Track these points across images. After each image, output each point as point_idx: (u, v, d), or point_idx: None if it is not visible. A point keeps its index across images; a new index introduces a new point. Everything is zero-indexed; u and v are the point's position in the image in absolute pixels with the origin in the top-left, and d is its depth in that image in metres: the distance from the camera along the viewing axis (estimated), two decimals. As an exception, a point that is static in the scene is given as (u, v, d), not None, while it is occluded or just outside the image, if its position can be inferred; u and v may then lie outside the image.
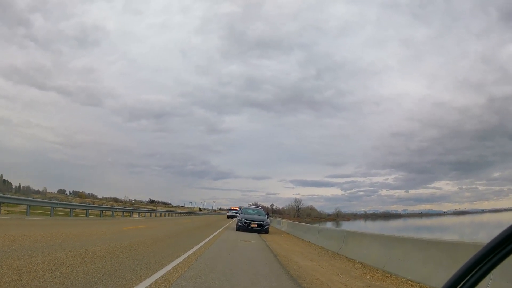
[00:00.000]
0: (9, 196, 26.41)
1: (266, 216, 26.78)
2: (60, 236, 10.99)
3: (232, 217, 65.13)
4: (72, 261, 6.78)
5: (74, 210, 27.97)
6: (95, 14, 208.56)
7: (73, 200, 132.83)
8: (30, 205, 22.72)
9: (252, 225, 24.02)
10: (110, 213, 36.60)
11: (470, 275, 1.03)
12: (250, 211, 27.09)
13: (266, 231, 24.38)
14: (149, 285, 5.55)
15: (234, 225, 32.89)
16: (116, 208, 40.32)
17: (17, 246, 7.84)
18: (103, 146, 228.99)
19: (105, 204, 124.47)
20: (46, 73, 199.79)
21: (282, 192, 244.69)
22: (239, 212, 71.81)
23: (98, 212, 33.49)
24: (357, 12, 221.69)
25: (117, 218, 32.39)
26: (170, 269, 7.10)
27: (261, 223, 24.29)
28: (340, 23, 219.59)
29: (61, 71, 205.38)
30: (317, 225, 24.39)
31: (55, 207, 25.29)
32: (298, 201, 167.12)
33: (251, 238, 19.24)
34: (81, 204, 34.01)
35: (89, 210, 30.15)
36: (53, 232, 12.06)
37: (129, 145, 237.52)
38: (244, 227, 23.94)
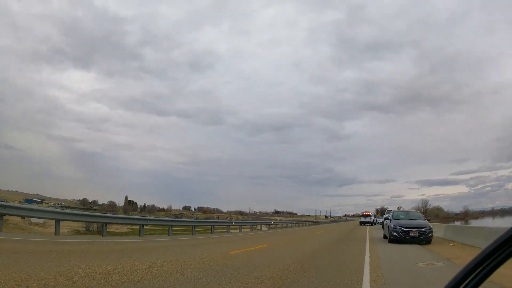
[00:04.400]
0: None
1: (426, 220, 20.06)
2: (117, 271, 6.30)
3: (365, 223, 58.02)
4: None
5: (196, 226, 25.55)
6: (203, 40, 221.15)
7: (197, 216, 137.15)
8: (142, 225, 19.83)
9: (412, 234, 17.62)
10: (238, 227, 33.51)
11: (471, 277, 1.01)
12: (402, 215, 20.55)
13: (429, 241, 17.85)
14: None
15: (376, 234, 27.27)
16: (231, 222, 36.27)
17: None
18: (226, 161, 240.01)
19: (229, 218, 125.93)
20: (164, 100, 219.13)
21: (407, 194, 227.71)
22: (373, 216, 63.07)
23: (224, 227, 30.93)
24: (460, 0, 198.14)
25: (244, 233, 28.36)
26: None
27: (422, 230, 17.77)
28: (446, 14, 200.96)
29: (179, 96, 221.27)
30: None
31: (173, 225, 22.75)
32: (425, 202, 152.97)
33: (423, 255, 13.19)
34: (185, 220, 30.44)
35: (214, 226, 26.99)
36: (110, 266, 7.48)
37: (252, 158, 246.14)
38: (401, 238, 17.65)
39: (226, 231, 30.21)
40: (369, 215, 62.43)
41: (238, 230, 32.55)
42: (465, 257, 12.30)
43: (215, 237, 23.30)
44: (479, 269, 1.00)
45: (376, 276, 8.09)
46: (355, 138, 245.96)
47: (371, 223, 58.34)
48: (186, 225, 26.76)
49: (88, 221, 20.25)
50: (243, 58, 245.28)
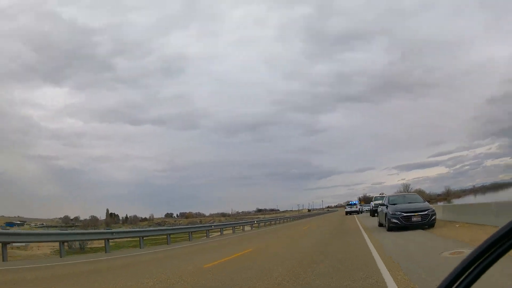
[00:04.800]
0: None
1: (426, 202, 17.99)
2: None
3: (351, 212, 56.16)
4: None
5: (172, 234, 23.05)
6: (174, 44, 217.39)
7: (180, 222, 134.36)
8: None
9: (414, 219, 15.50)
10: (219, 230, 31.10)
11: (469, 271, 0.98)
12: (399, 199, 18.43)
13: (432, 224, 15.86)
14: None
15: (368, 223, 25.33)
16: (205, 226, 33.42)
17: None
18: (205, 165, 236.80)
19: (212, 220, 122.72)
20: (139, 108, 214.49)
21: (387, 180, 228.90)
22: (358, 205, 60.68)
23: (204, 232, 28.30)
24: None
25: (225, 237, 25.79)
26: None
27: (425, 213, 15.69)
28: (414, 0, 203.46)
29: (153, 103, 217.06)
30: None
31: (145, 236, 20.12)
32: (406, 186, 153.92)
33: (436, 241, 11.09)
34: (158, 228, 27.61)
35: (191, 232, 24.48)
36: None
37: (231, 160, 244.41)
38: (402, 224, 15.54)
39: (206, 236, 27.63)
40: (355, 204, 60.71)
41: (219, 233, 30.04)
42: (484, 238, 10.15)
43: (192, 244, 20.68)
44: (477, 263, 0.96)
45: (403, 283, 5.74)
46: (331, 130, 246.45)
47: (357, 212, 56.66)
48: (161, 234, 24.11)
49: (42, 241, 17.38)
50: (215, 59, 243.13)
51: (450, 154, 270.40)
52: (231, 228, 32.90)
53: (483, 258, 0.96)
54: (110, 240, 18.33)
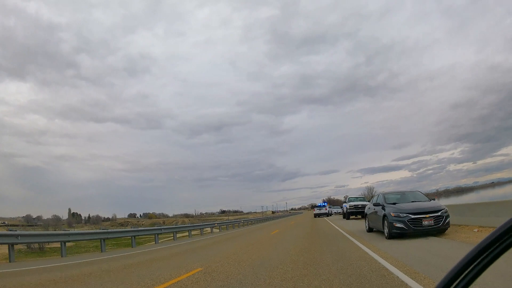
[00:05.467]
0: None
1: (434, 199, 14.09)
2: None
3: (320, 215, 52.54)
4: None
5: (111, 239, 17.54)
6: (139, 44, 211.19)
7: (143, 223, 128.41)
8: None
9: (426, 222, 11.60)
10: (187, 233, 28.34)
11: (468, 270, 0.93)
12: (398, 197, 14.32)
13: (444, 230, 12.14)
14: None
15: (347, 226, 22.13)
16: (162, 228, 28.34)
17: None
18: (169, 165, 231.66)
19: (175, 222, 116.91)
20: (102, 106, 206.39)
21: (350, 183, 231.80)
22: (326, 206, 56.86)
23: (153, 235, 23.80)
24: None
25: (178, 243, 21.10)
26: None
27: (438, 214, 11.85)
28: (380, 5, 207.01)
29: (117, 102, 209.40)
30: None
31: (67, 241, 15.22)
32: (370, 189, 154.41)
33: None
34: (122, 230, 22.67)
35: (135, 237, 19.52)
36: None
37: (195, 160, 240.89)
38: (409, 230, 11.65)
39: (155, 242, 22.92)
40: (324, 206, 57.29)
41: (172, 238, 25.40)
42: None
43: (131, 253, 15.92)
44: (476, 262, 0.92)
45: None
46: (295, 131, 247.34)
47: (327, 214, 53.25)
48: (94, 239, 19.30)
49: None
50: (180, 60, 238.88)
51: (413, 158, 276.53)
52: (187, 231, 28.24)
53: (483, 256, 0.91)
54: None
